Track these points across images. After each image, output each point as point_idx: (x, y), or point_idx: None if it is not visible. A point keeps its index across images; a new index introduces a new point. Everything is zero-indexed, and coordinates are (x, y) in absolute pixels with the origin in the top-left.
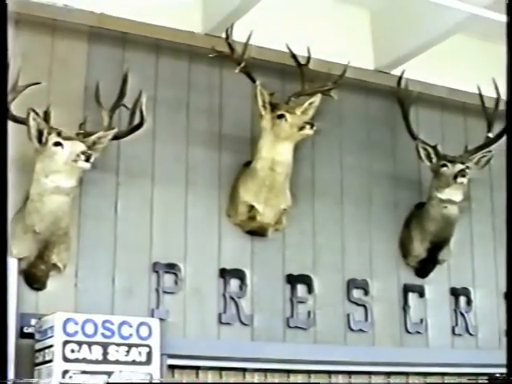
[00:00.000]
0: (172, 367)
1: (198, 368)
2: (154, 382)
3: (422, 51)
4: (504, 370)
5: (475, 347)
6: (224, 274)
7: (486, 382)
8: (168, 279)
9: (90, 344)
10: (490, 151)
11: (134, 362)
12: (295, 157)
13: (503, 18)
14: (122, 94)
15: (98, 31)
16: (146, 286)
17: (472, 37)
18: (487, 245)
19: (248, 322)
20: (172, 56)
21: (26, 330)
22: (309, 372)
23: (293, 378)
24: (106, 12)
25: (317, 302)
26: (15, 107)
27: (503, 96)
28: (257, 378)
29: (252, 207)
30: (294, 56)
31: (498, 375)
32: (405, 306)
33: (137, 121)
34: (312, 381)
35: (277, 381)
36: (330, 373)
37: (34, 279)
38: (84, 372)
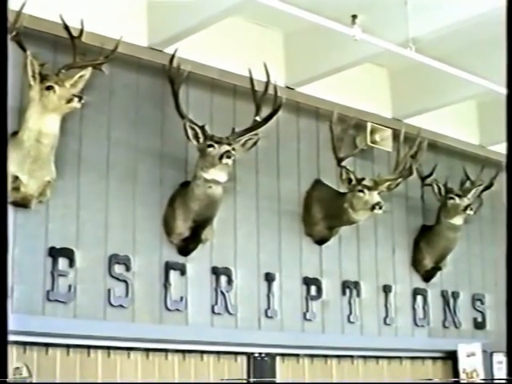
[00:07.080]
0: None
1: None
2: None
3: (196, 31)
4: (262, 350)
5: (234, 326)
6: None
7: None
8: None
9: None
10: (256, 134)
11: None
12: (62, 130)
13: (277, 3)
14: None
15: None
16: None
17: (246, 21)
18: (250, 226)
19: (8, 294)
20: None
21: None
22: (68, 346)
23: (51, 352)
24: None
25: (78, 275)
26: None
27: (272, 80)
28: (15, 351)
29: (16, 178)
30: (66, 27)
31: (256, 355)
32: (166, 283)
33: None
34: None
35: (35, 355)
36: (89, 347)
37: None
38: None
